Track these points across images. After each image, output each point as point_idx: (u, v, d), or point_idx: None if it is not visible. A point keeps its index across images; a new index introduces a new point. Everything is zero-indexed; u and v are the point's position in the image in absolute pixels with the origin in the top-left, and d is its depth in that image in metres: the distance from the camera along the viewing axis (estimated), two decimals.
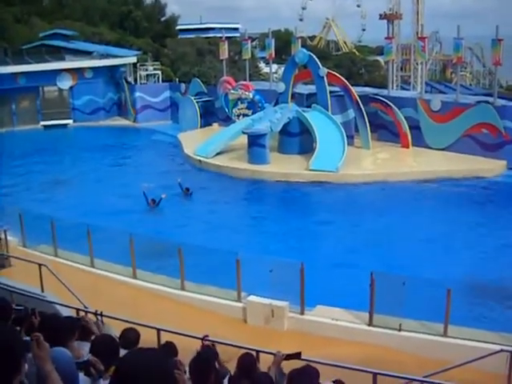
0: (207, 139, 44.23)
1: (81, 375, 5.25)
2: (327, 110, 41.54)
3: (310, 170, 36.49)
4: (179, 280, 19.86)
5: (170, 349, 8.24)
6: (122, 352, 5.86)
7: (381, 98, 43.90)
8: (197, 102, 54.47)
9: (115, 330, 8.87)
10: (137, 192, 32.61)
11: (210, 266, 20.38)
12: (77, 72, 61.85)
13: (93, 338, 7.15)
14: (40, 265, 16.86)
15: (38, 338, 4.24)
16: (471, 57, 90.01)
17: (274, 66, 64.05)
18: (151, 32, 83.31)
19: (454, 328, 15.95)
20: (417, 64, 73.93)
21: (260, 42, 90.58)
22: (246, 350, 9.11)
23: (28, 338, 4.39)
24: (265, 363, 8.82)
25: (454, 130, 39.96)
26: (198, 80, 57.55)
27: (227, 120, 50.46)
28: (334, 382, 7.74)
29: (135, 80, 63.95)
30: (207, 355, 7.16)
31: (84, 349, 6.70)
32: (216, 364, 7.26)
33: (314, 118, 40.38)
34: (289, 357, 8.02)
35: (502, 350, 12.93)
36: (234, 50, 64.92)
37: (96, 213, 29.94)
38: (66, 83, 61.94)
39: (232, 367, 8.29)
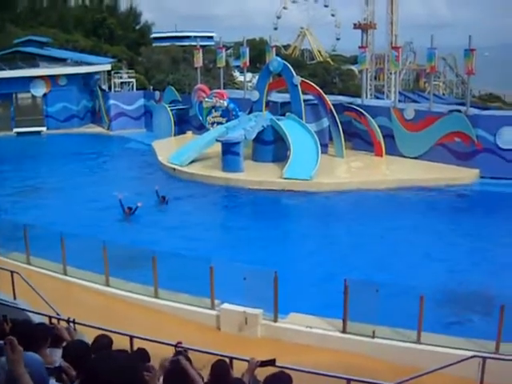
0: (181, 147, 44.15)
1: (52, 381, 5.21)
2: (301, 119, 41.65)
3: (284, 178, 36.50)
4: (153, 288, 19.82)
5: (142, 355, 8.19)
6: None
7: (355, 107, 44.12)
8: (171, 110, 54.29)
9: (88, 337, 8.80)
10: (111, 200, 32.44)
11: (183, 274, 20.31)
12: (51, 79, 61.38)
13: (65, 344, 7.10)
14: (12, 272, 16.73)
15: (12, 342, 4.22)
16: (444, 66, 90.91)
17: (249, 75, 64.12)
18: (126, 40, 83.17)
19: (427, 335, 16.05)
20: (390, 73, 74.42)
21: (235, 51, 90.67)
22: (219, 357, 9.09)
23: (1, 342, 4.36)
24: (238, 371, 8.80)
25: (427, 139, 40.24)
26: (173, 88, 57.45)
27: (201, 128, 50.38)
28: None
29: (109, 88, 63.69)
30: (182, 363, 7.11)
31: (56, 355, 6.65)
32: (192, 370, 7.21)
33: (288, 126, 40.46)
34: (263, 363, 7.98)
35: (474, 356, 13.02)
36: (208, 58, 64.87)
37: (70, 221, 29.72)
38: (39, 90, 61.50)
39: (206, 375, 8.27)
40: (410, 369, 13.44)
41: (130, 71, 65.49)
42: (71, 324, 10.15)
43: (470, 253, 25.97)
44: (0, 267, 18.37)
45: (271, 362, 8.01)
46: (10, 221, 25.59)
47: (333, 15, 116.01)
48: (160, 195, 33.87)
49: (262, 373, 7.45)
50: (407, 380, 11.67)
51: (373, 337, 16.30)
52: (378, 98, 76.44)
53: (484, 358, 12.79)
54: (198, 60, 54.45)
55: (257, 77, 51.88)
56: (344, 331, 16.78)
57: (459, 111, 39.72)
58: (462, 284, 22.39)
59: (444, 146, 39.44)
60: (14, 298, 15.92)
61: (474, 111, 39.85)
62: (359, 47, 51.93)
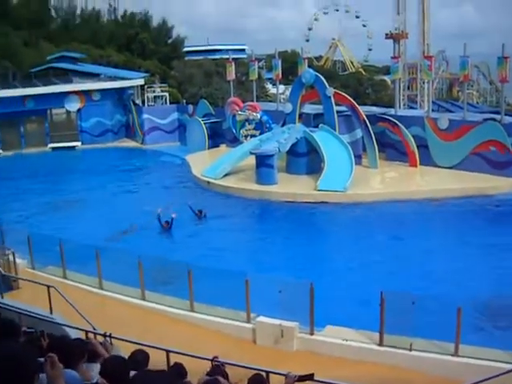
0: (215, 160, 44.28)
1: None
2: (334, 130, 41.55)
3: (318, 190, 36.42)
4: (188, 301, 19.82)
5: (179, 370, 8.19)
6: (132, 374, 5.81)
7: (388, 117, 43.91)
8: (204, 124, 54.52)
9: (124, 351, 8.81)
10: (147, 214, 32.64)
11: (219, 288, 20.30)
12: (84, 94, 62.09)
13: (102, 359, 7.10)
14: (48, 286, 16.83)
15: (52, 358, 4.26)
16: (478, 75, 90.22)
17: (281, 87, 64.23)
18: (158, 54, 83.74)
19: (465, 347, 15.83)
20: (423, 83, 74.11)
21: (267, 63, 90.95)
22: (256, 371, 9.04)
23: (41, 359, 4.40)
24: None
25: (461, 148, 39.91)
26: (206, 101, 57.73)
27: (235, 141, 50.56)
28: None
29: (143, 102, 64.19)
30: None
31: (93, 370, 6.66)
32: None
33: (322, 137, 40.39)
34: (301, 378, 7.88)
35: None
36: (240, 71, 65.08)
37: (107, 234, 29.96)
38: (73, 105, 62.19)
39: None
40: (447, 382, 13.31)
41: (163, 85, 65.93)
42: (107, 338, 10.16)
43: (507, 262, 25.57)
44: (36, 281, 18.53)
45: (309, 377, 7.91)
46: (47, 235, 25.76)
47: (364, 26, 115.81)
48: (197, 209, 33.81)
49: None
50: None
51: (410, 349, 16.12)
52: (411, 107, 76.14)
53: None
54: (231, 73, 54.65)
55: (289, 89, 51.94)
56: (381, 344, 16.63)
57: (494, 120, 39.36)
58: (499, 294, 22.10)
59: (479, 155, 39.07)
60: (51, 313, 16.01)
61: (508, 119, 39.44)
62: (391, 57, 51.54)
